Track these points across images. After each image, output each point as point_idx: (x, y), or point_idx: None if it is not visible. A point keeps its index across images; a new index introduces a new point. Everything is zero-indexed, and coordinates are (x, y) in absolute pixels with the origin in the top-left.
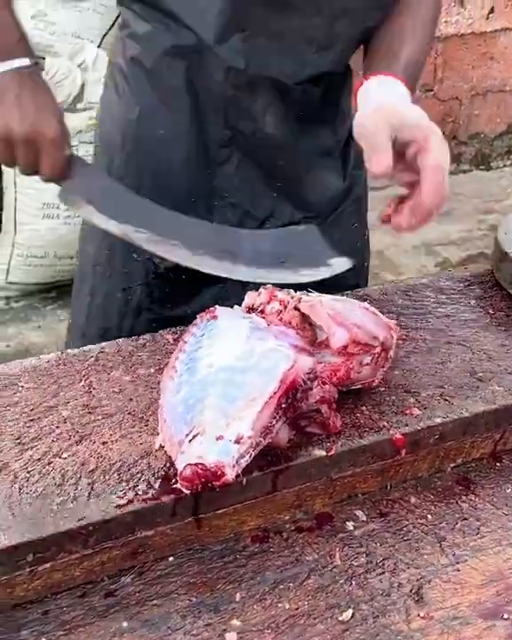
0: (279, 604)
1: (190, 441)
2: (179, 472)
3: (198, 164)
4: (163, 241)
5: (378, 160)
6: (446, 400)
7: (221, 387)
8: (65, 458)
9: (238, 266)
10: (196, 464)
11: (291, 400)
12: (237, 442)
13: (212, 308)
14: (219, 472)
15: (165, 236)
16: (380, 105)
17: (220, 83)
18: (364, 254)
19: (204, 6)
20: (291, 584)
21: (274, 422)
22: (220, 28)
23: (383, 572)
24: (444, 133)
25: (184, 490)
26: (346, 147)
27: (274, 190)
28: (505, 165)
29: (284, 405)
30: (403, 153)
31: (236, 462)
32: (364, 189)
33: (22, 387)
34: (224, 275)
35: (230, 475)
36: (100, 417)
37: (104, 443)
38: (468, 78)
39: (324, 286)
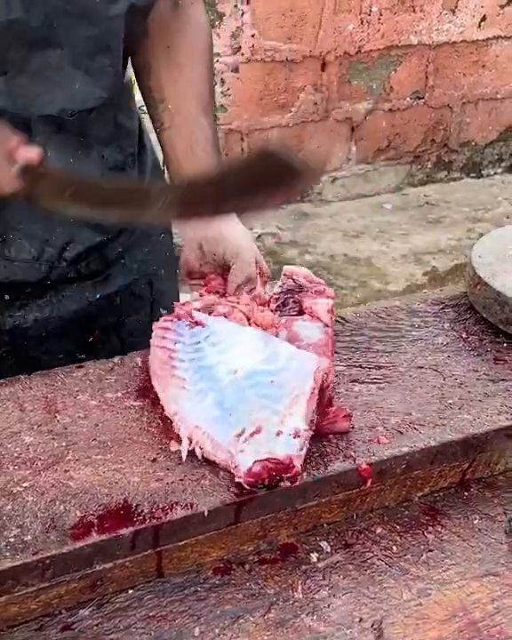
0: (238, 639)
1: (246, 440)
2: (244, 469)
3: None
4: None
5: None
6: (415, 428)
7: (259, 388)
8: (25, 487)
9: None
10: (266, 459)
11: (320, 396)
12: (296, 436)
13: (182, 314)
14: (289, 464)
15: None
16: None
17: None
18: (176, 263)
19: None
20: (251, 618)
21: (314, 417)
22: None
23: (344, 606)
24: (434, 141)
25: (246, 486)
26: (139, 157)
27: (69, 216)
28: (495, 173)
29: (317, 400)
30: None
31: (298, 454)
32: None
33: None
34: None
35: (298, 466)
36: (64, 444)
37: (66, 471)
38: (459, 86)
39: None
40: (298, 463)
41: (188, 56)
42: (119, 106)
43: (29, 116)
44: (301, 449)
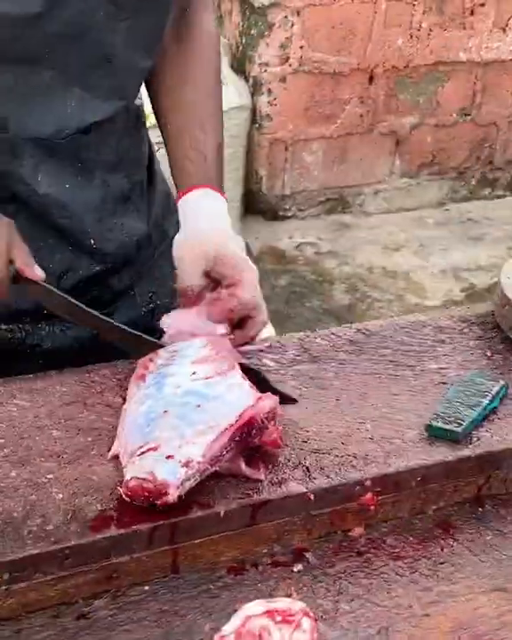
0: None
1: (141, 454)
2: (124, 482)
3: None
4: None
5: (184, 293)
6: (431, 443)
7: (183, 409)
8: (50, 479)
9: None
10: (143, 478)
11: (245, 435)
12: (186, 465)
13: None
14: (162, 490)
15: None
16: (199, 232)
17: None
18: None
19: None
20: None
21: (225, 452)
22: None
23: (352, 612)
24: (479, 158)
25: (126, 498)
26: (148, 187)
27: (68, 244)
28: None
29: (237, 439)
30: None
31: (181, 484)
32: (176, 230)
33: (15, 404)
34: None
35: (172, 495)
36: (89, 439)
37: (90, 466)
38: (506, 104)
39: None
40: (173, 492)
41: (191, 66)
42: (125, 130)
43: (16, 139)
44: (187, 480)
